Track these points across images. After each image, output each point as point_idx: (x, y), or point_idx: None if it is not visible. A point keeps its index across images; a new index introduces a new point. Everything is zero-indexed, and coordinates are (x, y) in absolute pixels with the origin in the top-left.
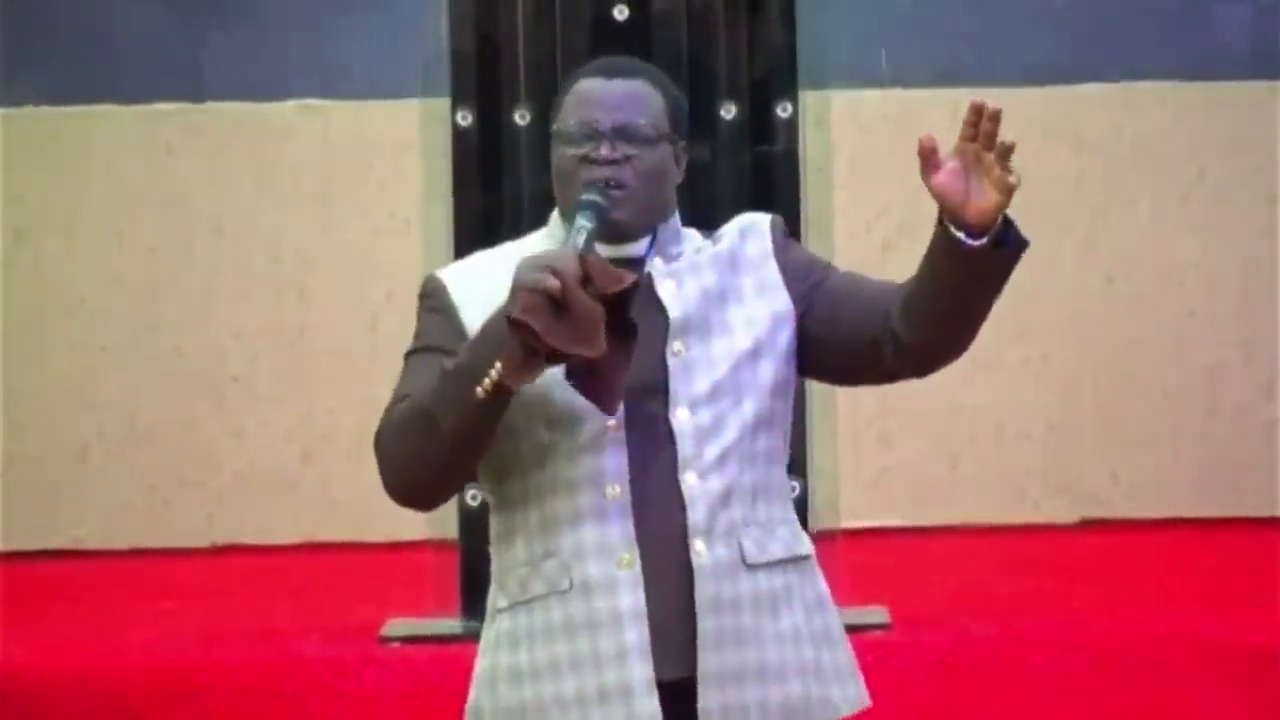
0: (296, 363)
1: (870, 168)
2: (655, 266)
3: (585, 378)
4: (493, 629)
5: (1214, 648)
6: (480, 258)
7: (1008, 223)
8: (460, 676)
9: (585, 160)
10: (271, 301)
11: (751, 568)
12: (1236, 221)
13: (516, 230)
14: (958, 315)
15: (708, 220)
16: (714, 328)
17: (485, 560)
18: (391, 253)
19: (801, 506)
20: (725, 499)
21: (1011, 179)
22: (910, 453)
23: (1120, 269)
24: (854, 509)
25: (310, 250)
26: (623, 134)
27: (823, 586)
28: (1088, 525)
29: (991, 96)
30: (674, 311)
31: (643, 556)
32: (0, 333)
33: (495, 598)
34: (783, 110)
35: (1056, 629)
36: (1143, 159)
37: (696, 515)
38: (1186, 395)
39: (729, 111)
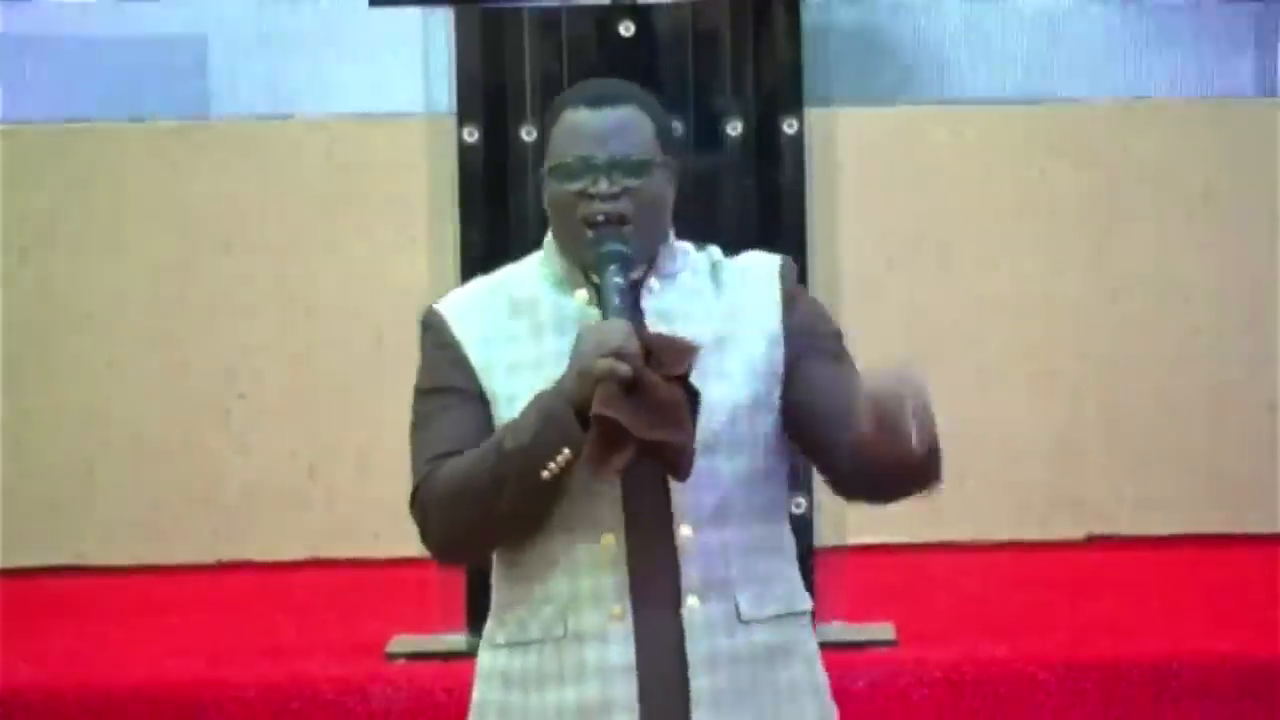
0: (302, 380)
1: (875, 185)
2: (650, 287)
3: (659, 452)
4: (490, 660)
5: (1220, 664)
6: (477, 290)
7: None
8: (466, 693)
9: (583, 195)
10: (278, 318)
11: (746, 623)
12: (1242, 239)
13: (524, 247)
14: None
15: (712, 237)
16: (711, 375)
17: (490, 577)
18: (398, 270)
19: (807, 523)
20: (722, 553)
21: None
22: None
23: (1125, 286)
24: (860, 525)
25: (316, 267)
26: (619, 167)
27: (814, 643)
28: (1094, 542)
29: (996, 114)
30: None
31: (635, 609)
32: (5, 349)
33: (494, 630)
34: (789, 127)
35: (1063, 645)
36: (1148, 176)
37: (690, 570)
38: (1191, 412)
39: (735, 128)
